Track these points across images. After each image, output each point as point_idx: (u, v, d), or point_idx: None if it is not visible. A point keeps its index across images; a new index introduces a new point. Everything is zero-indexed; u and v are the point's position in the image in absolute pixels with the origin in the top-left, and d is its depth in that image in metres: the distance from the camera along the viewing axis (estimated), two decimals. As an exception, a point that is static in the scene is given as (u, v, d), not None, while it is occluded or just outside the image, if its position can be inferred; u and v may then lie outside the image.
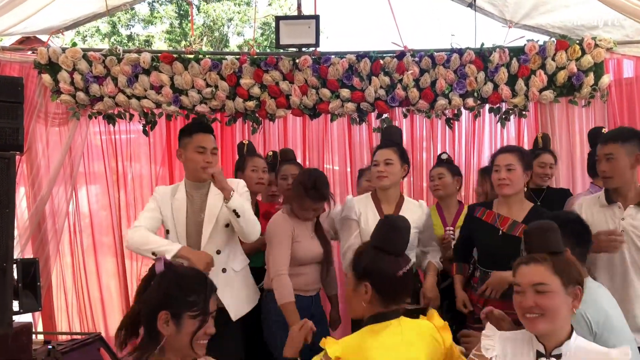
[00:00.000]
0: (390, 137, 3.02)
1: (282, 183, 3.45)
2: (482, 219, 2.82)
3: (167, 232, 2.78)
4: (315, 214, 2.92)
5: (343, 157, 4.18)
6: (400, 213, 2.84)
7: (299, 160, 4.00)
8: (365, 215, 2.91)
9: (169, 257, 2.41)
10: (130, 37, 13.93)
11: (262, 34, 12.56)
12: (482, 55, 3.85)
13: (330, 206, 2.98)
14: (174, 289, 1.66)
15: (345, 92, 3.89)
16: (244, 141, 3.62)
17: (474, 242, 2.91)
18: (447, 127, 4.07)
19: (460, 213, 3.45)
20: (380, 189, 2.95)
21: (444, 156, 3.59)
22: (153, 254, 2.56)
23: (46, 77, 3.94)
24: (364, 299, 1.87)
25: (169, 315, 1.64)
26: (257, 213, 3.26)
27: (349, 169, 4.16)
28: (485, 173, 3.42)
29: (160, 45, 13.48)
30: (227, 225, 2.78)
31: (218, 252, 2.75)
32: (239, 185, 2.81)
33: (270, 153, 3.77)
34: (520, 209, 2.76)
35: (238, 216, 2.62)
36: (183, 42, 12.79)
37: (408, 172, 3.02)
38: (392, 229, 1.95)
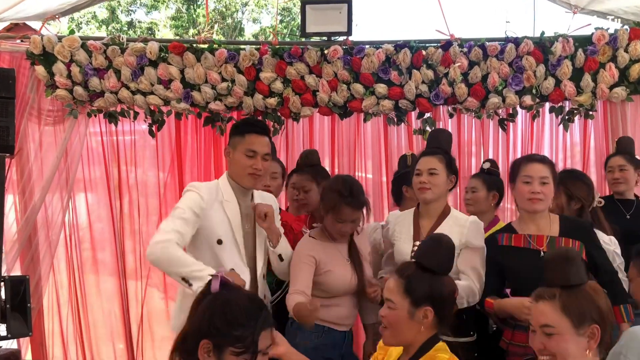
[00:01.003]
0: (438, 143, 2.96)
1: (291, 192, 3.43)
2: (512, 246, 2.75)
3: (220, 242, 2.68)
4: (353, 227, 2.82)
5: (378, 164, 4.11)
6: (439, 229, 2.77)
7: (327, 167, 3.94)
8: (400, 230, 2.90)
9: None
10: (131, 24, 13.99)
11: (281, 21, 12.53)
12: (542, 46, 3.76)
13: (366, 218, 2.90)
14: (219, 319, 1.66)
15: (381, 88, 3.82)
16: None
17: (507, 276, 2.78)
18: (500, 129, 4.00)
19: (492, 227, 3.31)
20: (422, 202, 2.90)
21: (486, 165, 3.49)
22: (184, 279, 2.44)
23: (40, 69, 3.89)
24: (423, 324, 1.99)
25: (211, 345, 1.64)
26: None
27: (384, 178, 4.12)
28: (561, 184, 3.27)
29: (165, 33, 13.52)
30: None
31: (264, 277, 2.82)
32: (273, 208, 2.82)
33: (303, 153, 3.72)
34: (548, 223, 2.74)
35: (282, 260, 2.76)
36: (191, 30, 12.82)
37: (455, 184, 2.95)
38: (438, 246, 2.10)
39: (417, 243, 2.77)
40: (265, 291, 2.90)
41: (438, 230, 2.76)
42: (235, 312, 1.67)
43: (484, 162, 3.53)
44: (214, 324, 1.65)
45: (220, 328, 1.64)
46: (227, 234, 2.69)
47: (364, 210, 2.82)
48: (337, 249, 2.86)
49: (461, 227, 2.81)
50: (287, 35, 10.99)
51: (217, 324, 1.65)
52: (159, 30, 13.76)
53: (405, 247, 2.85)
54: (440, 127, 3.90)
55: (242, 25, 13.82)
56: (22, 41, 3.94)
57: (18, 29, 4.13)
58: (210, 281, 1.73)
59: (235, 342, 1.64)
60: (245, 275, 2.65)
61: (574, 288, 1.83)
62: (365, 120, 4.00)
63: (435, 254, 2.09)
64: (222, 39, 10.45)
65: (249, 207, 2.78)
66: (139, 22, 14.05)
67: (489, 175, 3.43)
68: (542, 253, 2.66)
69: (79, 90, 3.91)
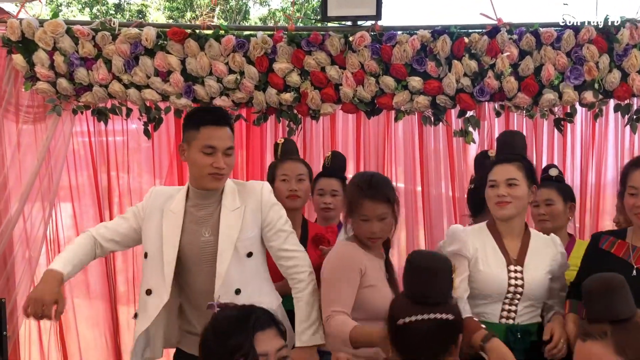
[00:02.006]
0: (512, 148, 2.93)
1: (317, 200, 3.47)
2: (611, 252, 2.75)
3: (145, 255, 2.74)
4: (382, 227, 2.69)
5: (411, 170, 4.07)
6: (529, 252, 2.79)
7: (351, 173, 3.87)
8: (484, 252, 2.81)
9: None
10: (118, 7, 14.06)
11: (293, 3, 12.57)
12: (607, 33, 3.65)
13: (397, 218, 2.78)
14: (210, 337, 1.79)
15: (415, 82, 3.74)
16: (278, 141, 3.61)
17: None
18: (556, 130, 3.93)
19: (571, 250, 3.28)
20: (501, 219, 2.83)
21: (554, 172, 3.41)
22: None
23: (18, 59, 3.83)
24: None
25: None
26: (304, 237, 3.23)
27: (418, 188, 4.09)
28: None
29: (156, 17, 13.55)
30: (249, 255, 2.72)
31: (237, 292, 2.67)
32: (279, 221, 2.76)
33: (329, 155, 3.69)
34: None
35: None
36: (189, 14, 12.85)
37: (535, 195, 2.90)
38: (413, 268, 2.20)
39: (515, 268, 2.76)
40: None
41: (530, 254, 2.77)
42: (222, 325, 1.79)
43: (550, 169, 3.45)
44: (209, 347, 1.77)
45: (215, 347, 1.76)
46: (154, 248, 2.71)
47: (395, 208, 2.72)
48: (377, 263, 2.77)
49: (551, 248, 2.86)
50: (300, 20, 10.95)
51: (211, 345, 1.77)
52: (149, 14, 13.77)
53: (499, 273, 2.77)
54: (486, 127, 3.91)
55: (248, 8, 13.86)
56: None
57: (-6, 11, 4.07)
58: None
59: (235, 351, 1.72)
60: (163, 297, 2.64)
61: (624, 322, 1.86)
62: (396, 120, 3.93)
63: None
64: (224, 24, 10.48)
65: (215, 210, 2.72)
66: (128, 3, 14.08)
67: (561, 184, 3.36)
68: (635, 271, 2.65)
69: (63, 83, 3.85)
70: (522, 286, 2.72)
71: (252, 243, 2.71)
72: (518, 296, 2.72)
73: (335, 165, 3.58)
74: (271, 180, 3.26)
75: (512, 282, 2.72)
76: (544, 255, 2.80)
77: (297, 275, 2.75)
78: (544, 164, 3.74)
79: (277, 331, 1.82)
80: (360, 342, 2.47)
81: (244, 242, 2.68)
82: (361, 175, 2.85)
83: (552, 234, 2.97)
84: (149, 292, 2.65)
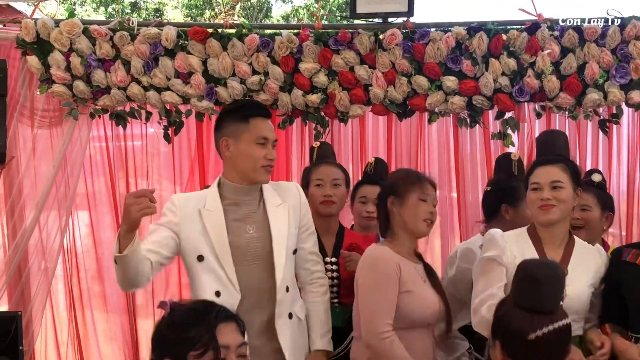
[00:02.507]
0: (554, 148, 2.91)
1: (359, 208, 3.43)
2: (636, 264, 2.76)
3: (200, 258, 2.71)
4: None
5: (445, 176, 4.07)
6: (572, 262, 2.74)
7: None
8: (523, 259, 2.73)
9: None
10: (135, 5, 14.18)
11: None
12: None
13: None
14: (165, 329, 1.80)
15: (450, 81, 3.75)
16: (314, 144, 3.57)
17: (624, 297, 2.79)
18: (601, 132, 3.90)
19: None
20: (544, 224, 2.76)
21: (597, 177, 3.35)
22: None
23: (33, 60, 3.86)
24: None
25: None
26: (339, 245, 3.23)
27: (454, 194, 4.06)
28: None
29: (174, 15, 13.66)
30: (294, 252, 2.81)
31: (287, 290, 2.74)
32: (312, 223, 2.87)
33: (372, 161, 3.65)
34: None
35: None
36: (208, 12, 12.92)
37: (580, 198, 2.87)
38: (528, 278, 2.21)
39: None
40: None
41: (573, 264, 2.73)
42: (181, 316, 1.81)
43: (592, 174, 3.40)
44: (164, 338, 1.79)
45: (172, 338, 1.77)
46: (207, 249, 2.71)
47: None
48: (414, 266, 2.77)
49: (596, 259, 2.81)
50: (325, 17, 11.00)
51: (167, 337, 1.78)
52: (166, 13, 13.87)
53: None
54: (525, 129, 3.87)
55: (270, 5, 13.90)
56: (4, 26, 3.91)
57: (5, 11, 4.09)
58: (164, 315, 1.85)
59: (193, 344, 1.74)
60: (234, 296, 2.64)
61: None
62: (429, 122, 3.93)
63: None
64: (246, 22, 10.53)
65: (258, 207, 2.79)
66: (145, 2, 14.20)
67: (602, 191, 3.31)
68: None
69: (79, 85, 3.88)
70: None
71: (295, 241, 2.79)
72: None
73: (378, 172, 3.55)
74: (305, 185, 3.26)
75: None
76: (588, 266, 2.75)
77: (319, 280, 2.88)
78: (588, 167, 3.73)
79: (237, 327, 1.85)
80: None
81: (292, 239, 2.77)
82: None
83: (597, 244, 2.94)
84: (218, 294, 2.64)
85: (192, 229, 2.70)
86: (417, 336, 2.72)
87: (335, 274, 3.12)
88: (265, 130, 2.73)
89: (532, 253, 2.76)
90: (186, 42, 3.82)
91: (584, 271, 2.72)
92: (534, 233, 2.80)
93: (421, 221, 2.74)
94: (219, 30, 3.83)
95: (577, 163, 3.84)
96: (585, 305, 2.74)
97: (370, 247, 2.83)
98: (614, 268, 2.84)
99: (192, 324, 1.78)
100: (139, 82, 3.87)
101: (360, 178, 3.72)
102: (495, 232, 2.84)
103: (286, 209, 2.78)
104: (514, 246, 2.77)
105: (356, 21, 3.94)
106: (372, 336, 2.61)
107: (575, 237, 2.86)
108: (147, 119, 4.00)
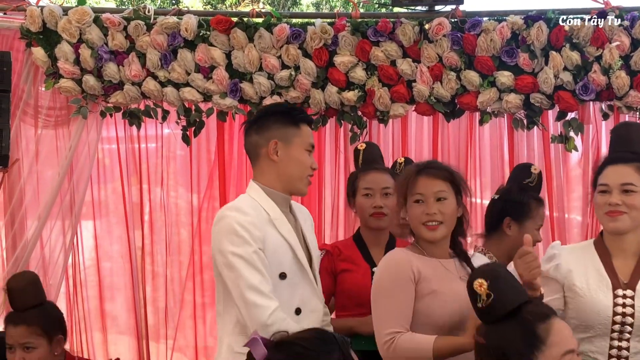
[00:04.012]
0: (629, 143, 2.85)
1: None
2: None
3: (283, 276, 2.69)
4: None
5: (499, 183, 3.91)
6: None
7: None
8: (584, 274, 2.75)
9: None
10: (150, -6, 14.14)
11: None
12: None
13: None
14: None
15: (504, 77, 3.75)
16: (359, 146, 3.50)
17: None
18: None
19: None
20: (612, 232, 2.74)
21: None
22: None
23: (38, 52, 3.90)
24: None
25: None
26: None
27: None
28: None
29: (192, 3, 13.63)
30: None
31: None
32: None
33: (401, 160, 3.63)
34: None
35: None
36: (228, 0, 12.91)
37: None
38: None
39: (623, 293, 2.67)
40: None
41: None
42: (309, 343, 1.74)
43: None
44: None
45: None
46: (289, 266, 2.72)
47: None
48: (440, 264, 2.70)
49: None
50: (362, 5, 11.00)
51: None
52: (184, 0, 13.90)
53: (601, 298, 2.69)
54: (590, 131, 3.86)
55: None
56: (6, 14, 3.95)
57: (8, -1, 4.14)
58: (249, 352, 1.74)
59: None
60: (318, 308, 2.77)
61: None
62: (481, 123, 3.94)
63: None
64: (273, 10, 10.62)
65: (292, 219, 2.83)
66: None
67: None
68: None
69: (89, 80, 3.91)
70: (632, 315, 2.61)
71: None
72: (628, 328, 2.62)
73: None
74: (352, 193, 3.28)
75: (619, 309, 2.62)
76: None
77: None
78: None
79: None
80: (445, 352, 2.50)
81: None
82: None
83: None
84: (298, 311, 2.69)
85: (273, 242, 2.68)
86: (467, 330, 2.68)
87: None
88: (312, 138, 2.81)
89: (596, 265, 2.74)
90: (208, 33, 3.83)
91: None
92: (600, 243, 2.79)
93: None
94: (245, 19, 3.86)
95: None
96: None
97: (389, 252, 2.83)
98: None
99: (326, 352, 1.73)
100: (155, 77, 3.90)
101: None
102: (554, 245, 2.87)
103: (311, 230, 2.88)
104: (573, 258, 2.77)
105: (398, 9, 3.96)
106: (379, 347, 2.60)
107: None
108: (164, 118, 4.02)
